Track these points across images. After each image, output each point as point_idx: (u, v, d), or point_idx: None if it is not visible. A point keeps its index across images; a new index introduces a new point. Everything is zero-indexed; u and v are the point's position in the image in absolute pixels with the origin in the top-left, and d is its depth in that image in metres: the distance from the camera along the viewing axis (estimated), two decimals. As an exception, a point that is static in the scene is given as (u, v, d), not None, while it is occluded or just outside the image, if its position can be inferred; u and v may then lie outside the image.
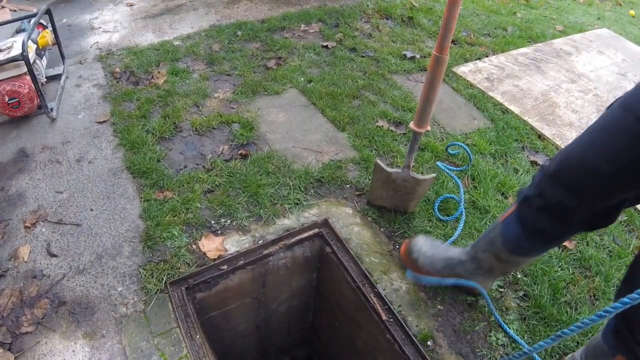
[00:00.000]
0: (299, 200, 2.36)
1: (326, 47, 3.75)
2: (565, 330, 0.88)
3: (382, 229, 2.27)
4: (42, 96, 2.76)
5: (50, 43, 3.21)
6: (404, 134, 2.86)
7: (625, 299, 0.75)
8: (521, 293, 2.05)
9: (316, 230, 2.22)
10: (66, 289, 1.95)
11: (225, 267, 2.03)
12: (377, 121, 2.93)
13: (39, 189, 2.40)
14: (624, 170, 1.26)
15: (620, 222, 2.44)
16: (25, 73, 2.76)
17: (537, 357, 1.84)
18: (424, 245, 1.97)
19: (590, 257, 2.22)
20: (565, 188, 1.40)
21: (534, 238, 1.58)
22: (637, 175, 1.25)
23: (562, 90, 3.53)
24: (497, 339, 1.88)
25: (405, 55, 3.70)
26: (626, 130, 1.23)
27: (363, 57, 3.66)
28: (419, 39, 4.00)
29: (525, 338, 1.88)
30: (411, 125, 2.01)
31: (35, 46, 3.02)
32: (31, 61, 2.73)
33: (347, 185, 2.47)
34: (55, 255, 2.08)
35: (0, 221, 2.23)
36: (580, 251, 2.25)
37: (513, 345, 1.86)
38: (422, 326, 1.90)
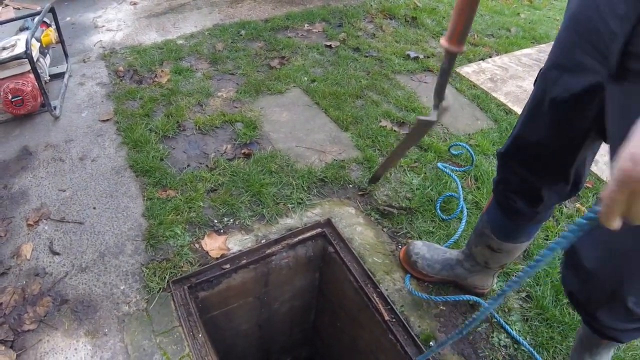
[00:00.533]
0: (301, 199, 2.35)
1: (329, 46, 3.75)
2: (520, 273, 0.85)
3: (384, 229, 2.26)
4: (45, 94, 2.76)
5: (53, 41, 3.22)
6: (407, 134, 2.86)
7: (573, 226, 0.72)
8: (524, 294, 2.04)
9: (319, 230, 2.22)
10: (69, 287, 1.95)
11: (227, 266, 2.03)
12: (381, 121, 2.93)
13: (42, 187, 2.40)
14: (550, 138, 1.34)
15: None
16: (28, 71, 2.77)
17: (495, 314, 1.92)
18: (422, 249, 2.02)
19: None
20: (518, 166, 1.50)
21: (514, 218, 1.63)
22: (562, 140, 1.32)
23: (566, 91, 3.51)
24: (500, 339, 1.87)
25: (408, 55, 3.69)
26: (537, 100, 1.33)
27: (366, 57, 3.65)
28: (422, 39, 3.99)
29: (528, 339, 1.87)
30: (443, 42, 1.36)
31: (38, 44, 3.02)
32: (35, 59, 2.73)
33: (350, 185, 2.47)
34: (57, 254, 2.08)
35: (3, 219, 2.23)
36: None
37: (515, 346, 1.86)
38: (425, 327, 1.89)
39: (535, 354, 1.81)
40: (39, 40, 3.06)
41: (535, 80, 1.38)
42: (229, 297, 2.13)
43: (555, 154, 1.38)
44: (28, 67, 2.73)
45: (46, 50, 3.22)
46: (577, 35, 1.20)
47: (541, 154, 1.40)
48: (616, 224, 0.68)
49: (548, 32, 4.42)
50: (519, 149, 1.49)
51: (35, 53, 2.82)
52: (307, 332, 2.82)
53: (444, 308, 1.97)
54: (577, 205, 2.46)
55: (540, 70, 1.36)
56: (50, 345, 1.76)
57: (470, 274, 1.93)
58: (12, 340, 1.77)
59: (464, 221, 2.26)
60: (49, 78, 3.16)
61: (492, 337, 1.88)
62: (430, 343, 1.84)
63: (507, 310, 1.97)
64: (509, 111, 3.18)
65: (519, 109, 3.21)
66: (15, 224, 2.21)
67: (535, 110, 1.37)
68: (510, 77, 3.59)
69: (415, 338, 1.83)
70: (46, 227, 2.20)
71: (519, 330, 1.90)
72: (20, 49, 2.68)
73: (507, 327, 1.90)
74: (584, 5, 1.16)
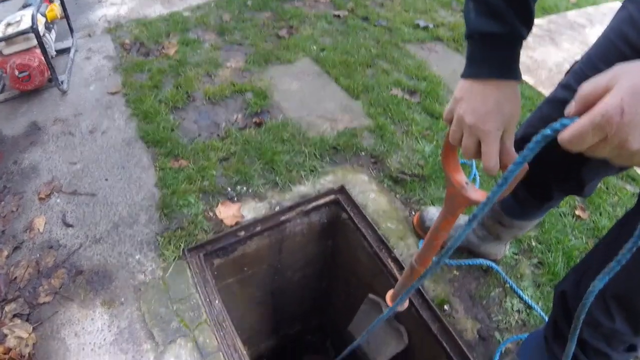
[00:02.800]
0: (314, 167, 2.33)
1: (338, 16, 3.69)
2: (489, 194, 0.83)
3: (397, 196, 2.25)
4: (52, 69, 2.74)
5: (58, 16, 3.17)
6: (418, 102, 2.82)
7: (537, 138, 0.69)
8: (535, 260, 2.03)
9: (332, 196, 2.20)
10: (83, 259, 1.95)
11: (242, 233, 2.02)
12: (392, 89, 2.89)
13: (52, 161, 2.39)
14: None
15: (633, 194, 2.40)
16: (35, 46, 2.73)
17: (509, 279, 1.94)
18: (436, 214, 1.98)
19: (604, 227, 2.19)
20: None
21: (524, 204, 1.62)
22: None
23: (577, 60, 3.47)
24: (513, 304, 1.87)
25: (418, 24, 3.63)
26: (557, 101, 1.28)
27: (376, 26, 3.60)
28: (432, 9, 3.92)
29: (540, 304, 1.86)
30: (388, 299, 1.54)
31: (44, 19, 2.98)
32: (41, 34, 2.70)
33: (363, 153, 2.45)
34: (71, 226, 2.08)
35: (15, 194, 2.22)
36: (593, 221, 2.23)
37: (528, 311, 1.86)
38: (439, 291, 1.89)
39: (547, 318, 1.80)
40: (43, 15, 3.02)
41: (568, 72, 1.31)
42: (244, 265, 2.12)
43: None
44: (34, 43, 2.70)
45: (51, 26, 3.19)
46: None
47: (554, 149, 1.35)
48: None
49: (557, 3, 4.34)
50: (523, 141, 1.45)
51: (41, 28, 2.78)
52: (319, 299, 2.82)
53: (458, 273, 1.96)
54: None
55: (574, 65, 1.30)
56: (67, 317, 1.76)
57: (483, 243, 1.92)
58: (28, 314, 1.77)
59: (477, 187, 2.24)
60: (55, 53, 3.13)
61: (505, 301, 1.88)
62: (445, 307, 1.84)
63: (519, 276, 1.97)
64: (520, 80, 3.13)
65: (529, 79, 3.17)
66: (26, 199, 2.20)
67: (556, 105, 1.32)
68: (521, 47, 3.53)
69: (430, 302, 1.82)
70: (58, 200, 2.19)
71: (531, 296, 1.90)
72: (26, 24, 2.64)
73: (520, 292, 1.91)
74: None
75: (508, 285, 1.93)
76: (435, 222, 1.19)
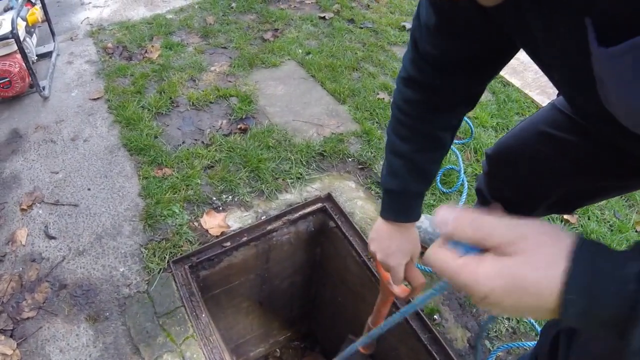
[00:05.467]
0: (301, 174, 2.31)
1: (323, 18, 3.66)
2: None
3: (386, 203, 2.23)
4: (33, 75, 2.68)
5: (39, 20, 3.12)
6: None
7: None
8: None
9: (319, 204, 2.18)
10: (66, 272, 1.91)
11: (228, 243, 1.99)
12: (378, 93, 2.87)
13: (33, 169, 2.34)
14: (537, 162, 1.30)
15: (621, 197, 2.41)
16: (15, 51, 2.67)
17: None
18: (425, 222, 2.01)
19: (592, 232, 2.20)
20: (497, 181, 1.50)
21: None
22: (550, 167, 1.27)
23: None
24: (503, 312, 1.86)
25: (404, 26, 3.61)
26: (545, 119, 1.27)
27: (361, 28, 3.57)
28: (417, 9, 3.90)
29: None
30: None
31: (24, 24, 2.92)
32: (21, 39, 2.64)
33: (350, 159, 2.43)
34: (53, 238, 2.04)
35: (-4, 204, 2.18)
36: (582, 225, 2.23)
37: (517, 318, 1.84)
38: (429, 300, 1.87)
39: (537, 326, 1.81)
40: (24, 19, 2.96)
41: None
42: (231, 275, 2.10)
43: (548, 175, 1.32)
44: (15, 48, 2.64)
45: (32, 30, 3.12)
46: None
47: (535, 169, 1.33)
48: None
49: None
50: (500, 163, 1.45)
51: (21, 33, 2.72)
52: (308, 307, 2.81)
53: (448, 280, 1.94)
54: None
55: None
56: (51, 332, 1.72)
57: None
58: (12, 329, 1.73)
59: (464, 195, 2.23)
60: (36, 58, 3.07)
61: (496, 309, 1.87)
62: (435, 316, 1.82)
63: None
64: (506, 83, 3.13)
65: (516, 81, 3.16)
66: (8, 209, 2.15)
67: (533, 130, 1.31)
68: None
69: (420, 312, 1.81)
70: (40, 211, 2.15)
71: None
72: (5, 29, 2.58)
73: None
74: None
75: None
76: (378, 300, 1.40)
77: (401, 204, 1.16)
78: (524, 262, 0.50)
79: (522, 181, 1.37)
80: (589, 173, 1.20)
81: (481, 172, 1.59)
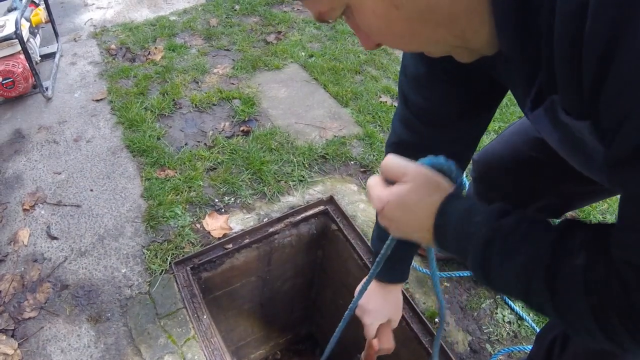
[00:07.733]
0: (303, 177, 2.31)
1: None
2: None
3: (388, 206, 2.23)
4: (37, 75, 2.69)
5: (43, 21, 3.13)
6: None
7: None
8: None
9: (322, 207, 2.19)
10: (68, 272, 1.91)
11: (230, 245, 1.99)
12: (380, 96, 2.88)
13: (36, 170, 2.35)
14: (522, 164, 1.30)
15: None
16: (19, 52, 2.69)
17: None
18: None
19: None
20: (484, 186, 1.51)
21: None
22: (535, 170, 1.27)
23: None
24: (504, 316, 1.86)
25: (406, 28, 3.62)
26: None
27: (364, 30, 3.57)
28: (420, 12, 3.91)
29: (531, 315, 1.86)
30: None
31: (28, 24, 2.93)
32: (25, 39, 2.65)
33: (352, 162, 2.43)
34: (55, 238, 2.04)
35: (-2, 204, 2.19)
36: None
37: (519, 322, 1.85)
38: (430, 303, 1.88)
39: (538, 329, 1.80)
40: (28, 20, 2.97)
41: None
42: (232, 277, 2.10)
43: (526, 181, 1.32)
44: (18, 48, 2.65)
45: (36, 30, 3.13)
46: None
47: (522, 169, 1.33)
48: None
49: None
50: (485, 168, 1.44)
51: (25, 33, 2.73)
52: (308, 309, 2.80)
53: (448, 284, 1.95)
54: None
55: None
56: (52, 333, 1.73)
57: None
58: (13, 329, 1.74)
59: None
60: (39, 58, 3.08)
61: (497, 313, 1.87)
62: (436, 320, 1.82)
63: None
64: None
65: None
66: (10, 210, 2.16)
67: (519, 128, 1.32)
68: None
69: (421, 315, 1.81)
70: (43, 212, 2.15)
71: (522, 307, 1.89)
72: (9, 29, 2.59)
73: (511, 303, 1.90)
74: None
75: (499, 296, 1.92)
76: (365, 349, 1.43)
77: (386, 267, 1.15)
78: (411, 189, 0.73)
79: (513, 186, 1.36)
80: (581, 177, 1.19)
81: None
